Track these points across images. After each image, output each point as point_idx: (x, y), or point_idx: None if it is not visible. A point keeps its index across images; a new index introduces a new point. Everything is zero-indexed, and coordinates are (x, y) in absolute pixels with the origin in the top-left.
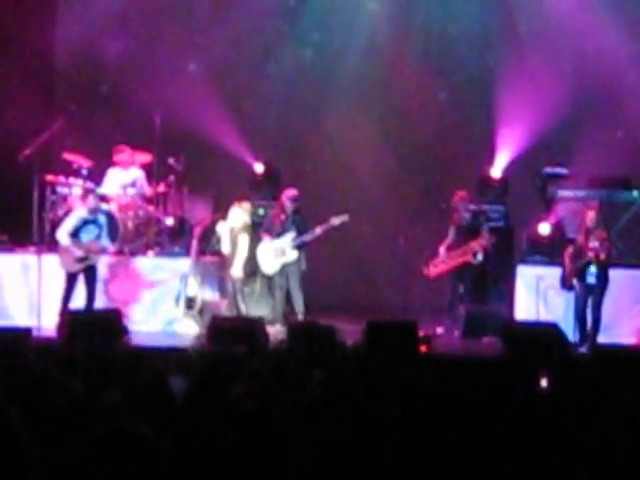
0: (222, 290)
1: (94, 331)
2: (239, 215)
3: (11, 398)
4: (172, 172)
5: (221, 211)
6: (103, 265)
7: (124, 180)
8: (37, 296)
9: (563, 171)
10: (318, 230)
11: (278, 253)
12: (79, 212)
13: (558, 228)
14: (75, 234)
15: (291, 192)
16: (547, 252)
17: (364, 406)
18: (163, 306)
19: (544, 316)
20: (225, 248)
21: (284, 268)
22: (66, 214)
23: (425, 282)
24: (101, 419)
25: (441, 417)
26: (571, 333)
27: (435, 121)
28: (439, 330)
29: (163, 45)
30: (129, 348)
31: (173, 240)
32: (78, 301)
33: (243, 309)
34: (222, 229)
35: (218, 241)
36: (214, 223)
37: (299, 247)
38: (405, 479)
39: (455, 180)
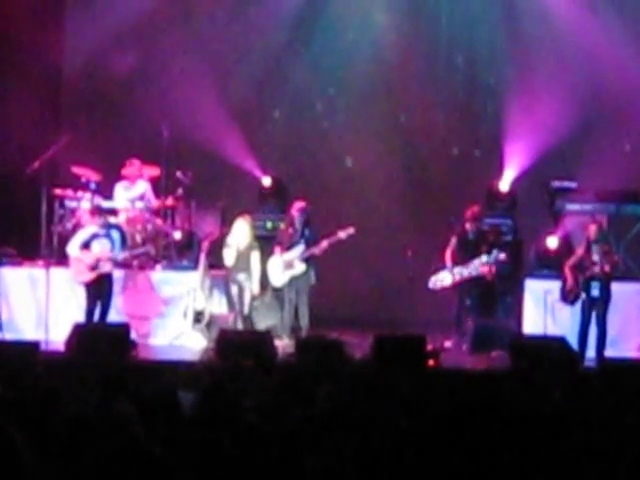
0: (230, 304)
1: (102, 345)
2: (244, 229)
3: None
4: (180, 185)
5: (229, 225)
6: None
7: (132, 194)
8: (45, 309)
9: (571, 185)
10: (325, 243)
11: (287, 266)
12: (90, 228)
13: (566, 242)
14: (86, 246)
15: (298, 204)
16: (555, 266)
17: (372, 420)
18: (171, 320)
19: (552, 330)
20: (229, 261)
21: (293, 281)
22: (74, 228)
23: (433, 296)
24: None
25: (449, 431)
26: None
27: (443, 135)
28: (447, 344)
29: (171, 59)
30: (137, 362)
31: (181, 254)
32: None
33: (254, 322)
34: (230, 244)
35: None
36: (222, 236)
37: (307, 260)
38: None
39: (463, 194)
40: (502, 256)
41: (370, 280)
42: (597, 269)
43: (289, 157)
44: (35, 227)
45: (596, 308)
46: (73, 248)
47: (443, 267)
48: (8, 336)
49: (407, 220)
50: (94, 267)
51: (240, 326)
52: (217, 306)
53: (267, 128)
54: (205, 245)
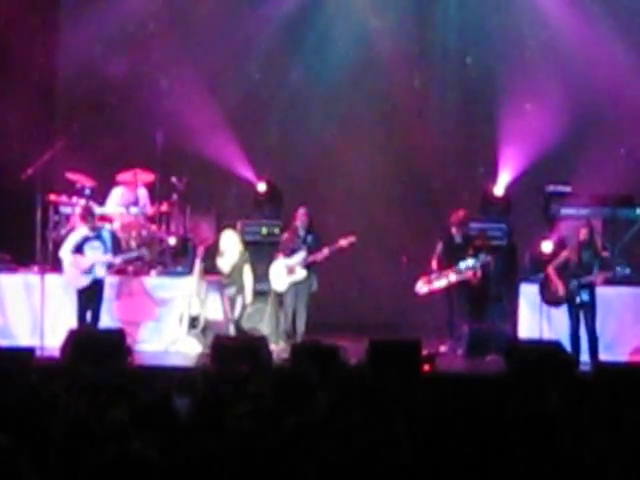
0: (225, 309)
1: (97, 351)
2: (234, 240)
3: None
4: (175, 191)
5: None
6: (106, 285)
7: (127, 199)
8: (40, 316)
9: (566, 189)
10: (326, 251)
11: (289, 272)
12: (81, 231)
13: (561, 246)
14: (79, 250)
15: (301, 211)
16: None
17: (367, 425)
18: (166, 325)
19: (547, 334)
20: (226, 269)
21: (294, 287)
22: (69, 233)
23: (428, 300)
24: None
25: (445, 436)
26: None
27: (438, 140)
28: (442, 349)
29: (164, 65)
30: (133, 368)
31: (176, 259)
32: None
33: (245, 328)
34: (223, 250)
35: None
36: (217, 242)
37: (309, 267)
38: None
39: (458, 199)
40: (488, 259)
41: (365, 285)
42: (590, 277)
43: (284, 163)
44: (30, 233)
45: (584, 312)
46: (65, 252)
47: (430, 272)
48: (3, 342)
49: (402, 225)
50: (89, 272)
51: (232, 332)
52: (212, 312)
53: (261, 134)
54: (200, 251)
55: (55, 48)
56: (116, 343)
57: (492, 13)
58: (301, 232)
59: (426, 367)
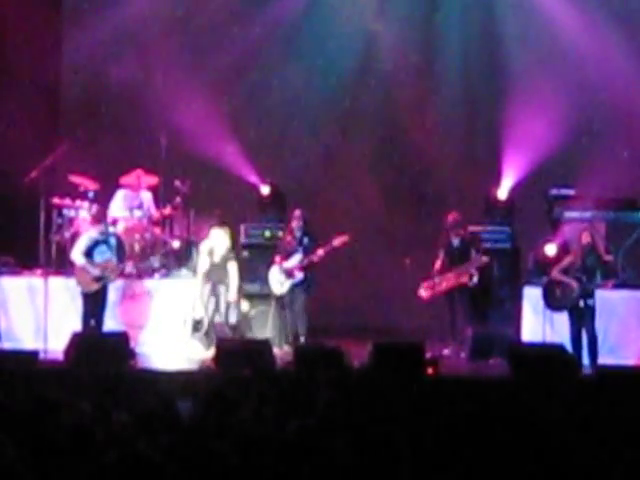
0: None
1: (101, 354)
2: (220, 237)
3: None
4: (178, 194)
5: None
6: (110, 287)
7: (131, 203)
8: (44, 319)
9: (569, 192)
10: (320, 252)
11: (287, 275)
12: (90, 233)
13: (564, 249)
14: (88, 254)
15: (296, 213)
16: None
17: (371, 428)
18: (170, 328)
19: (550, 337)
20: (202, 267)
21: (292, 290)
22: (73, 237)
23: (431, 304)
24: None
25: (448, 438)
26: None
27: (441, 142)
28: (445, 352)
29: (168, 68)
30: (136, 371)
31: (179, 262)
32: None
33: (245, 331)
34: (203, 248)
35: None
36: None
37: (306, 269)
38: None
39: (462, 201)
40: (484, 259)
41: (368, 288)
42: (599, 283)
43: (287, 166)
44: (33, 236)
45: (586, 314)
46: (78, 256)
47: (431, 276)
48: (7, 345)
49: (405, 228)
50: (100, 278)
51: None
52: (216, 315)
53: (265, 137)
54: None
55: (58, 51)
56: (119, 346)
57: (496, 17)
58: (297, 234)
59: (429, 370)
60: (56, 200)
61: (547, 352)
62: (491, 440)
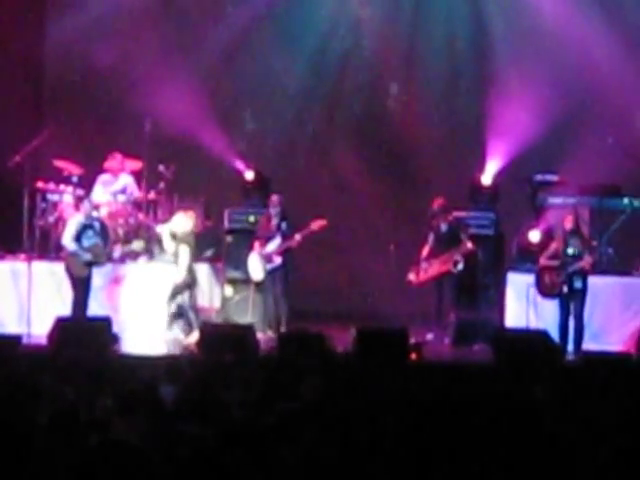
0: (212, 297)
1: (84, 339)
2: (181, 222)
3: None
4: (162, 179)
5: (212, 218)
6: (94, 272)
7: (114, 187)
8: (27, 303)
9: (553, 178)
10: (298, 236)
11: (266, 260)
12: (77, 218)
13: (548, 235)
14: (77, 239)
15: (273, 198)
16: (537, 259)
17: (354, 413)
18: (153, 313)
19: (534, 323)
20: (169, 249)
21: (271, 275)
22: (57, 221)
23: (415, 289)
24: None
25: (431, 424)
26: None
27: (425, 128)
28: (429, 337)
29: (152, 52)
30: (119, 356)
31: (163, 247)
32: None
33: (192, 317)
34: (163, 231)
35: (160, 243)
36: (205, 230)
37: (284, 253)
38: None
39: (446, 187)
40: (469, 246)
41: (352, 273)
42: (577, 263)
43: (271, 151)
44: (17, 221)
45: (575, 301)
46: (68, 241)
47: (419, 262)
48: None
49: (389, 214)
50: (90, 263)
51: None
52: (199, 299)
53: (249, 122)
54: None
55: (42, 36)
56: (103, 331)
57: (481, 4)
58: (275, 219)
59: (413, 355)
60: (40, 184)
61: (530, 338)
62: (474, 425)
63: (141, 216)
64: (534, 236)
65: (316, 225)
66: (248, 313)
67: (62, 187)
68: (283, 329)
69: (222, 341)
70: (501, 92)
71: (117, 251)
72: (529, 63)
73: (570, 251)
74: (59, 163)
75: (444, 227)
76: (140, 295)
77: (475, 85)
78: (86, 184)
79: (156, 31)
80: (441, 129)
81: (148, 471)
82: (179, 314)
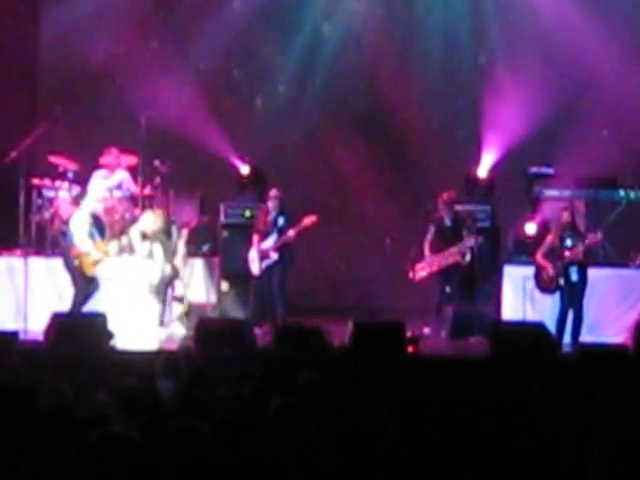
0: (209, 292)
1: (81, 335)
2: (150, 221)
3: None
4: (158, 174)
5: (208, 213)
6: None
7: (110, 182)
8: (24, 299)
9: (549, 171)
10: (291, 232)
11: (263, 255)
12: (85, 215)
13: (544, 228)
14: (91, 237)
15: (272, 192)
16: (533, 252)
17: (351, 407)
18: (150, 308)
19: (531, 316)
20: (141, 250)
21: (269, 270)
22: (53, 217)
23: (412, 283)
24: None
25: (428, 418)
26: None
27: (421, 121)
28: (426, 330)
29: (148, 47)
30: (116, 351)
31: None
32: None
33: (167, 314)
34: (132, 232)
35: (130, 245)
36: (201, 225)
37: (281, 249)
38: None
39: (442, 180)
40: (473, 241)
41: (349, 267)
42: (573, 254)
43: (266, 145)
44: (13, 217)
45: (574, 293)
46: (83, 240)
47: (422, 257)
48: None
49: (385, 207)
50: (98, 261)
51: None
52: (195, 294)
53: (245, 116)
54: (184, 233)
55: (36, 30)
56: (99, 327)
57: None
58: (273, 214)
59: (410, 349)
60: (36, 180)
61: (527, 330)
62: (471, 418)
63: (137, 211)
64: (530, 229)
65: (308, 221)
66: (245, 307)
67: (58, 183)
68: (280, 323)
69: (219, 336)
70: (496, 85)
71: (114, 247)
72: (524, 55)
73: (566, 244)
74: (55, 159)
75: (448, 220)
76: (136, 290)
77: (470, 78)
78: (82, 180)
79: (151, 26)
80: (436, 122)
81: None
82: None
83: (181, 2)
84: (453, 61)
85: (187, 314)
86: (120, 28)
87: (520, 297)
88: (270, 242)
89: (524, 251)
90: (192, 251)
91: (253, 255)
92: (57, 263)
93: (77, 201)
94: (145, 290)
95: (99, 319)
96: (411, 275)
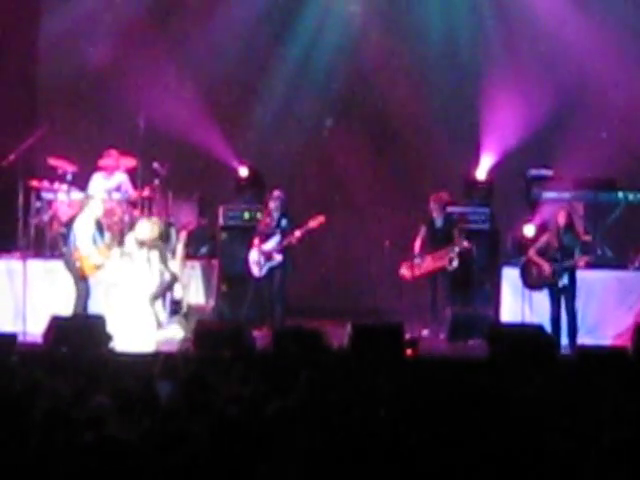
0: (208, 294)
1: (79, 337)
2: (146, 229)
3: None
4: (157, 176)
5: (207, 215)
6: None
7: (109, 185)
8: (22, 302)
9: (548, 173)
10: (297, 233)
11: (265, 257)
12: (89, 218)
13: (543, 230)
14: (94, 241)
15: (274, 193)
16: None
17: (350, 409)
18: (148, 310)
19: (529, 318)
20: (138, 257)
21: (271, 271)
22: (51, 220)
23: (410, 285)
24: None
25: (427, 419)
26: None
27: (421, 123)
28: (425, 333)
29: (147, 49)
30: (115, 353)
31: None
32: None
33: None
34: (129, 240)
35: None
36: (200, 227)
37: (284, 251)
38: None
39: (441, 183)
40: (465, 244)
41: (348, 269)
42: (570, 261)
43: (265, 147)
44: (12, 219)
45: (564, 295)
46: (86, 243)
47: (412, 257)
48: None
49: (384, 209)
50: (100, 266)
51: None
52: (194, 296)
53: (244, 119)
54: (182, 235)
55: (36, 33)
56: (98, 329)
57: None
58: (275, 215)
59: (409, 351)
60: (34, 183)
61: (526, 333)
62: (470, 420)
63: (136, 213)
64: (529, 231)
65: (315, 222)
66: (244, 309)
67: (57, 185)
68: (278, 325)
69: (217, 338)
70: (496, 87)
71: (116, 253)
72: (523, 57)
73: (563, 246)
74: (53, 161)
75: (439, 222)
76: (136, 292)
77: (469, 80)
78: (80, 182)
79: (149, 28)
80: (435, 124)
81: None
82: (174, 311)
83: (181, 5)
84: (452, 63)
85: (186, 316)
86: (119, 30)
87: (519, 299)
88: (273, 243)
89: (523, 253)
90: (191, 253)
91: (254, 256)
92: (56, 265)
93: (75, 203)
94: (144, 295)
95: (98, 321)
96: (402, 273)
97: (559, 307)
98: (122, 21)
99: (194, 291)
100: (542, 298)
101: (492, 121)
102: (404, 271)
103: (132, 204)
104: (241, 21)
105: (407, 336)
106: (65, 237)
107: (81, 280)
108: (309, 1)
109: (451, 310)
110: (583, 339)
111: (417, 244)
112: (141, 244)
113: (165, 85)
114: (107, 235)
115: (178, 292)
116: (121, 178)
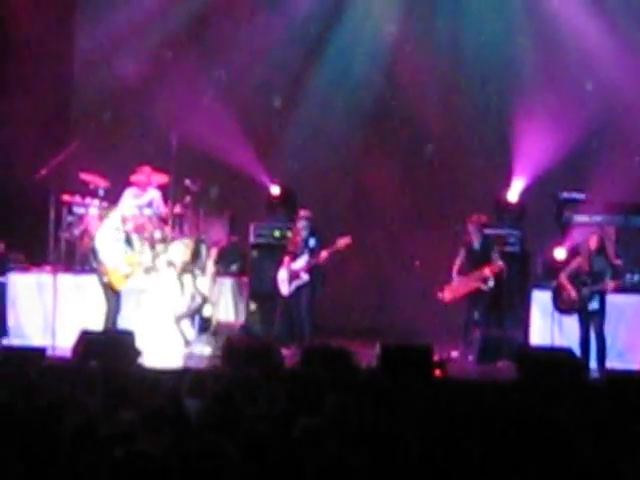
0: (237, 311)
1: (109, 352)
2: (179, 252)
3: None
4: (188, 193)
5: (237, 233)
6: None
7: (141, 201)
8: (52, 316)
9: (580, 196)
10: (324, 254)
11: (293, 276)
12: (114, 231)
13: (574, 253)
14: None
15: (303, 213)
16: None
17: (379, 430)
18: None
19: (559, 341)
20: (168, 279)
21: (298, 291)
22: (82, 234)
23: (440, 305)
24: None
25: (456, 441)
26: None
27: (453, 144)
28: (454, 354)
29: (180, 66)
30: (144, 369)
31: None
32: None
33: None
34: (160, 264)
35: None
36: (230, 244)
37: (312, 270)
38: None
39: (472, 204)
40: (500, 264)
41: (377, 290)
42: (600, 285)
43: (297, 165)
44: (43, 233)
45: (593, 320)
46: (111, 257)
47: (450, 279)
48: (15, 342)
49: (415, 230)
50: (129, 275)
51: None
52: (224, 313)
53: (276, 136)
54: (213, 252)
55: (70, 49)
56: (127, 344)
57: (510, 17)
58: (303, 234)
59: (437, 372)
60: (66, 197)
61: (555, 356)
62: (498, 443)
63: (167, 230)
64: (560, 254)
65: (342, 243)
66: (273, 327)
67: (88, 200)
68: (307, 344)
69: (246, 355)
70: (528, 110)
71: (147, 256)
72: (557, 81)
73: (594, 271)
74: (85, 176)
75: (477, 244)
76: (165, 308)
77: (502, 102)
78: (112, 197)
79: (184, 45)
80: (467, 145)
81: None
82: (203, 328)
83: (216, 23)
84: (485, 85)
85: (215, 333)
86: (153, 47)
87: (548, 322)
88: (301, 263)
89: (553, 276)
90: (221, 270)
91: (283, 275)
92: (86, 280)
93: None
94: (171, 314)
95: (127, 337)
96: (439, 296)
97: (588, 330)
98: (156, 38)
99: (223, 308)
100: (572, 321)
101: (524, 143)
102: (441, 294)
103: (163, 220)
104: (276, 39)
105: (436, 357)
106: (95, 252)
107: (112, 295)
108: (344, 20)
109: (480, 332)
110: (613, 363)
111: (455, 267)
112: (171, 265)
113: (198, 102)
114: (136, 244)
115: (208, 310)
116: (153, 194)
